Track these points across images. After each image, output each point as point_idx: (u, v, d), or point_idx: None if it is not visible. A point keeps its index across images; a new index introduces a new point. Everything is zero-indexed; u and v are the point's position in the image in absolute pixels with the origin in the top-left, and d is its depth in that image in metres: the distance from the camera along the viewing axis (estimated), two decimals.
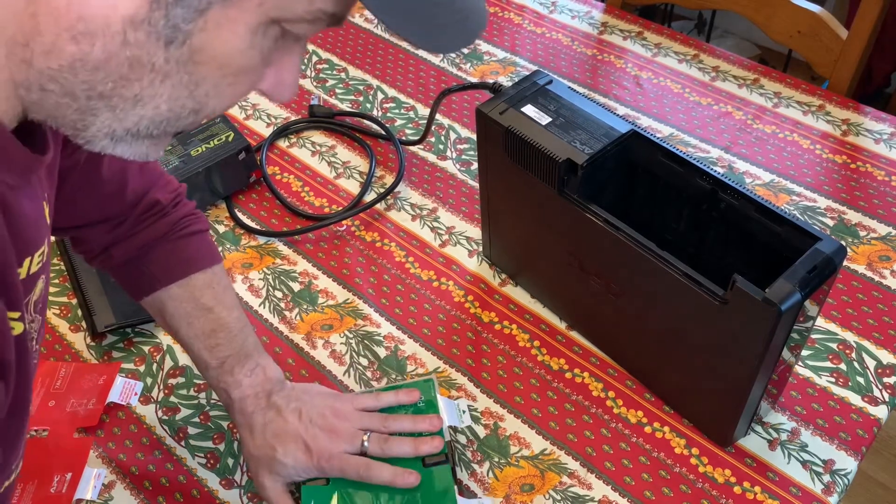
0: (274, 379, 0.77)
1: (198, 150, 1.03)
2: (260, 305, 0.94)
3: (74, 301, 0.95)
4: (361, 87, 1.22)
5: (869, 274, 0.91)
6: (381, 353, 0.88)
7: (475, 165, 1.08)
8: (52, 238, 1.01)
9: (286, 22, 0.43)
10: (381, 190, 1.05)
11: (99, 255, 0.77)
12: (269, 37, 0.44)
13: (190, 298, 0.76)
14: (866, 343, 0.85)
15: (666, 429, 0.80)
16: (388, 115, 1.17)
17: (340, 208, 1.04)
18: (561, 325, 0.90)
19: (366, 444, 0.75)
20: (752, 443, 0.78)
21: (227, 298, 0.78)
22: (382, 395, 0.80)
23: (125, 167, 0.73)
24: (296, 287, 0.96)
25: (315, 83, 1.24)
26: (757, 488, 0.75)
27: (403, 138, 1.13)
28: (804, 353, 0.85)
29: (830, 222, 0.97)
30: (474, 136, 1.08)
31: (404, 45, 1.30)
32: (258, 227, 1.03)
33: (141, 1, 0.40)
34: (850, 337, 0.86)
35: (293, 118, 1.18)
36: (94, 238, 0.76)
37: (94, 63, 0.41)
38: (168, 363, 0.89)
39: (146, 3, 0.40)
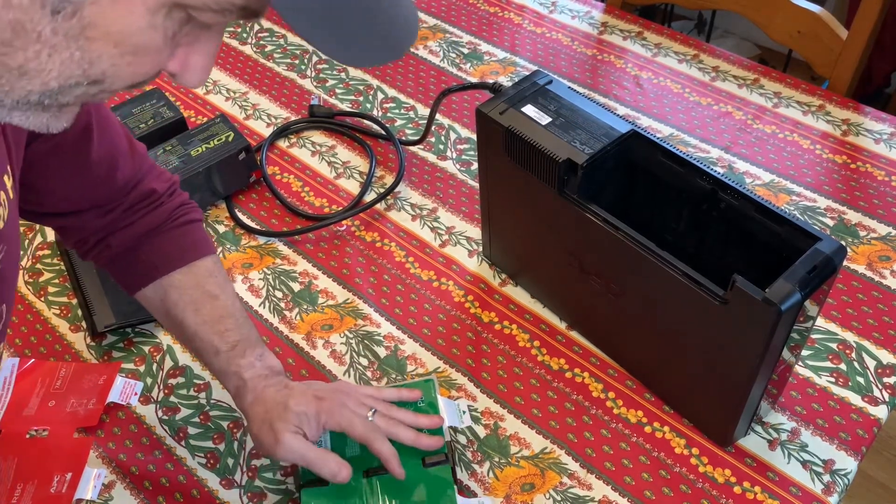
0: (279, 369, 0.77)
1: (198, 150, 1.03)
2: (260, 305, 0.94)
3: (74, 301, 0.95)
4: (361, 87, 1.22)
5: (869, 274, 0.91)
6: (381, 353, 0.88)
7: (475, 165, 1.08)
8: (53, 239, 1.01)
9: (191, 8, 0.42)
10: (381, 190, 1.05)
11: (94, 247, 0.77)
12: (175, 19, 0.42)
13: (195, 285, 0.76)
14: (866, 343, 0.85)
15: (666, 429, 0.80)
16: (388, 115, 1.17)
17: (340, 208, 1.04)
18: (561, 325, 0.90)
19: (370, 418, 0.74)
20: (752, 443, 0.78)
21: (228, 288, 0.79)
22: (385, 390, 0.80)
23: (115, 152, 0.73)
24: (296, 287, 0.96)
25: (315, 83, 1.24)
26: (757, 488, 0.75)
27: (403, 138, 1.13)
28: (804, 353, 0.85)
29: (830, 222, 0.97)
30: (474, 136, 1.08)
31: None
32: (258, 227, 1.03)
33: None
34: (850, 337, 0.86)
35: (293, 118, 1.18)
36: (85, 226, 0.76)
37: None
38: (168, 363, 0.89)
39: None
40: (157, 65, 0.44)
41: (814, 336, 0.86)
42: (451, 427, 0.79)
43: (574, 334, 0.89)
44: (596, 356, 0.87)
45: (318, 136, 1.15)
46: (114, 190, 0.74)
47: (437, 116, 1.16)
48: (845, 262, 0.91)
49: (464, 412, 0.82)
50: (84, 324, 0.93)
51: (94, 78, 0.42)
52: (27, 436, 0.83)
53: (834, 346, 0.85)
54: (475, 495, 0.76)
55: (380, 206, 1.04)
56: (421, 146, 1.12)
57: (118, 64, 0.42)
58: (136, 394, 0.86)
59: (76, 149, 0.69)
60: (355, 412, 0.74)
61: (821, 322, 0.87)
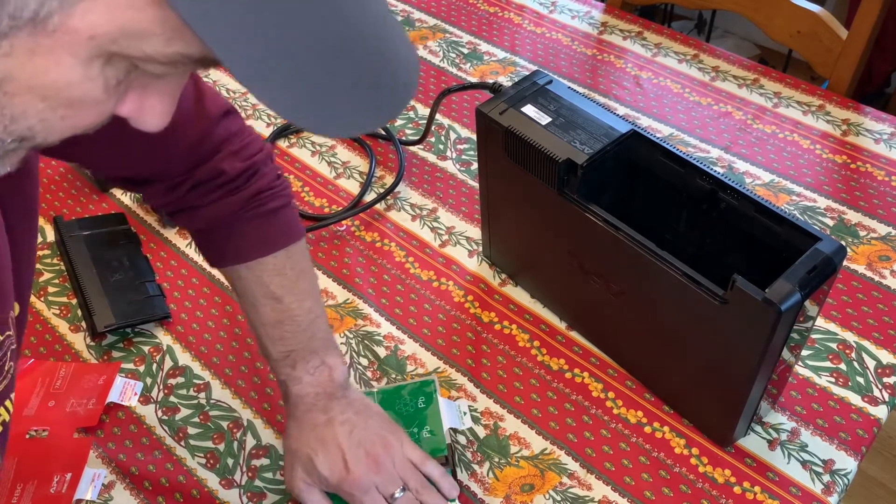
0: (338, 382, 0.74)
1: None
2: None
3: (74, 301, 0.95)
4: None
5: (869, 274, 0.91)
6: (381, 353, 0.88)
7: (475, 165, 1.08)
8: (53, 239, 1.01)
9: (134, 59, 0.37)
10: (381, 190, 1.05)
11: (173, 217, 0.74)
12: (118, 67, 0.37)
13: (258, 284, 0.72)
14: (866, 343, 0.85)
15: (666, 429, 0.80)
16: None
17: (340, 208, 1.04)
18: (561, 325, 0.90)
19: (398, 494, 0.71)
20: (752, 443, 0.78)
21: (299, 286, 0.74)
22: (430, 464, 0.74)
23: (174, 121, 0.67)
24: None
25: None
26: (757, 488, 0.75)
27: (403, 138, 1.13)
28: (804, 353, 0.85)
29: (830, 222, 0.97)
30: (474, 136, 1.08)
31: None
32: None
33: None
34: (850, 337, 0.86)
35: None
36: (157, 196, 0.72)
37: None
38: (168, 363, 0.89)
39: None
40: (101, 115, 0.40)
41: (814, 336, 0.86)
42: (451, 428, 0.79)
43: (574, 334, 0.89)
44: (596, 356, 0.87)
45: (317, 136, 1.15)
46: (173, 159, 0.68)
47: (437, 116, 1.16)
48: (845, 262, 0.91)
49: (464, 413, 0.81)
50: (84, 324, 0.92)
51: (19, 135, 0.38)
52: (27, 436, 0.83)
53: (834, 346, 0.85)
54: (475, 496, 0.76)
55: (380, 206, 1.04)
56: (421, 146, 1.12)
57: (49, 119, 0.38)
58: (135, 394, 0.86)
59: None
60: (380, 490, 0.71)
61: (821, 322, 0.87)
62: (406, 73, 0.40)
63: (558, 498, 0.76)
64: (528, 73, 0.84)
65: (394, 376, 0.86)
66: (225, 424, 0.83)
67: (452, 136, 1.13)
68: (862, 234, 0.96)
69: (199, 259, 1.00)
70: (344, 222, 1.03)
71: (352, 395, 0.76)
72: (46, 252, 1.01)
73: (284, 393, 0.75)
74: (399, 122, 1.15)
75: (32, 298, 0.96)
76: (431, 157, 1.10)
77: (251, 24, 0.34)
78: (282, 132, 1.15)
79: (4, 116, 0.37)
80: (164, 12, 0.34)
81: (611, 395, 0.83)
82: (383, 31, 0.38)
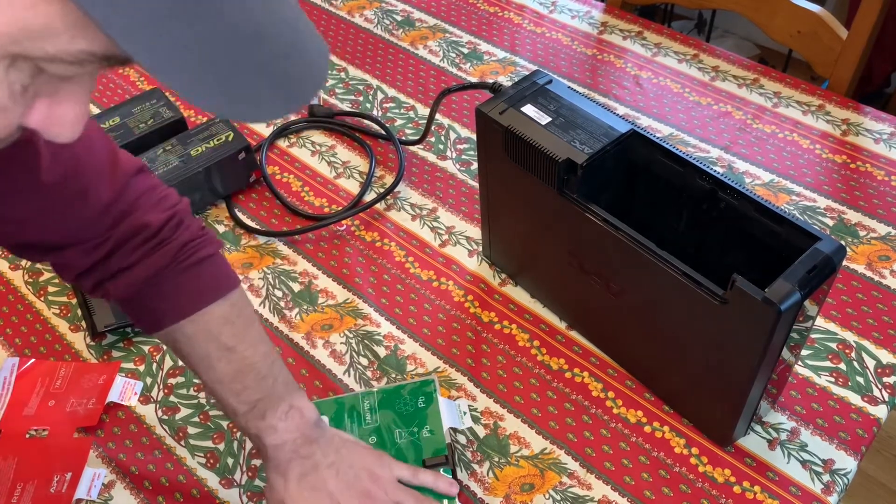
0: (311, 421, 0.72)
1: (198, 150, 1.03)
2: (260, 305, 0.94)
3: (74, 301, 0.95)
4: (361, 87, 1.22)
5: (868, 274, 0.91)
6: (381, 352, 0.88)
7: (475, 165, 1.08)
8: None
9: (39, 60, 0.35)
10: (381, 190, 1.05)
11: (95, 289, 0.68)
12: (23, 71, 0.35)
13: (207, 338, 0.68)
14: (866, 343, 0.85)
15: (665, 428, 0.80)
16: (388, 114, 1.17)
17: (340, 208, 1.04)
18: (561, 325, 0.90)
19: None
20: (752, 442, 0.78)
21: (250, 333, 0.70)
22: (421, 474, 0.74)
23: (82, 172, 0.62)
24: (296, 287, 0.96)
25: None
26: (757, 488, 0.75)
27: (403, 138, 1.13)
28: (804, 352, 0.85)
29: (830, 222, 0.97)
30: (474, 136, 1.08)
31: (404, 44, 1.30)
32: (258, 227, 1.03)
33: None
34: (849, 337, 0.86)
35: (293, 118, 1.18)
36: (71, 263, 0.66)
37: None
38: (168, 363, 0.89)
39: None
40: (7, 124, 0.37)
41: (813, 336, 0.86)
42: (451, 428, 0.79)
43: (574, 334, 0.89)
44: (596, 356, 0.87)
45: (318, 136, 1.15)
46: (90, 220, 0.63)
47: (437, 116, 1.16)
48: (845, 262, 0.91)
49: (464, 413, 0.81)
50: (84, 324, 0.93)
51: None
52: (27, 436, 0.83)
53: (834, 345, 0.85)
54: (475, 495, 0.76)
55: (380, 206, 1.04)
56: (421, 146, 1.12)
57: None
58: (135, 393, 0.86)
59: (18, 168, 0.57)
60: None
61: (820, 322, 0.87)
62: (316, 61, 0.39)
63: (558, 497, 0.76)
64: (528, 73, 0.84)
65: (394, 376, 0.86)
66: (225, 424, 0.83)
67: (452, 135, 1.13)
68: (862, 233, 0.96)
69: None
70: (344, 222, 1.03)
71: (328, 433, 0.73)
72: None
73: (259, 448, 0.71)
74: (399, 122, 1.15)
75: (32, 298, 0.96)
76: (431, 157, 1.10)
77: (156, 14, 0.32)
78: (282, 132, 1.15)
79: None
80: (66, 7, 0.32)
81: (611, 394, 0.83)
82: (289, 18, 0.37)
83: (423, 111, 1.17)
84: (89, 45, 0.34)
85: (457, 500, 0.74)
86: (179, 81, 0.33)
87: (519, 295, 0.93)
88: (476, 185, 1.05)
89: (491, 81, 0.94)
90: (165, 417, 0.84)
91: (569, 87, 0.82)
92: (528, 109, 0.79)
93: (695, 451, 0.78)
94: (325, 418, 0.76)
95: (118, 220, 0.65)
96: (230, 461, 0.81)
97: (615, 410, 0.82)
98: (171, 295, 0.67)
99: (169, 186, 0.69)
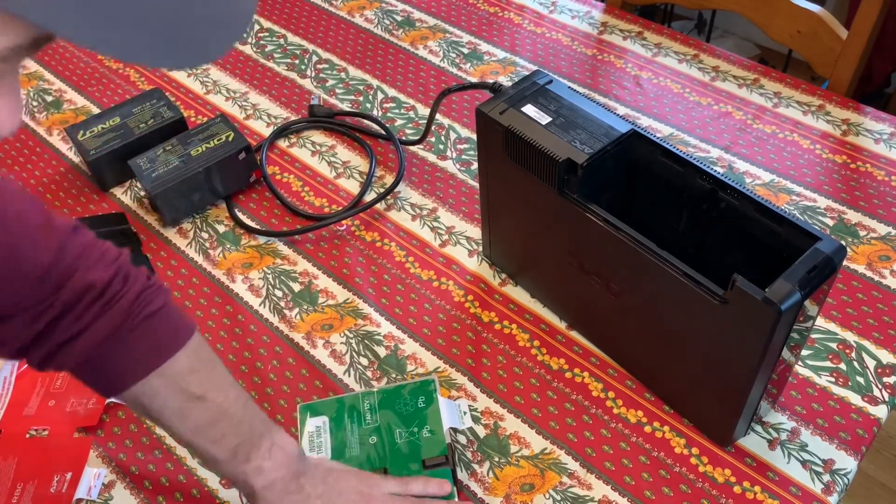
0: (294, 456, 0.70)
1: (198, 150, 1.03)
2: (260, 305, 0.94)
3: None
4: (361, 87, 1.22)
5: (869, 274, 0.91)
6: (381, 352, 0.88)
7: (475, 165, 1.08)
8: None
9: None
10: (381, 190, 1.05)
11: (45, 362, 0.62)
12: None
13: (176, 390, 0.65)
14: (866, 343, 0.85)
15: (666, 428, 0.80)
16: (388, 114, 1.17)
17: (340, 208, 1.04)
18: (561, 325, 0.90)
19: None
20: (752, 442, 0.78)
21: (216, 378, 0.68)
22: (411, 484, 0.74)
23: (12, 234, 0.58)
24: (296, 287, 0.96)
25: (315, 83, 1.24)
26: (757, 488, 0.75)
27: (403, 138, 1.13)
28: (804, 352, 0.85)
29: (830, 222, 0.97)
30: (474, 136, 1.08)
31: (404, 45, 1.30)
32: (258, 227, 1.03)
33: None
34: (849, 337, 0.86)
35: (293, 118, 1.18)
36: (14, 336, 0.60)
37: None
38: None
39: None
40: None
41: (814, 336, 0.86)
42: (451, 428, 0.79)
43: (574, 334, 0.89)
44: (596, 356, 0.87)
45: (318, 136, 1.15)
46: (29, 287, 0.59)
47: (437, 116, 1.16)
48: (845, 262, 0.91)
49: (464, 413, 0.81)
50: None
51: None
52: (27, 435, 0.83)
53: (834, 345, 0.85)
54: (475, 495, 0.76)
55: (380, 206, 1.04)
56: (421, 146, 1.12)
57: None
58: None
59: None
60: None
61: (821, 322, 0.87)
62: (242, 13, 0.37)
63: (558, 497, 0.76)
64: (528, 73, 0.84)
65: (394, 376, 0.86)
66: None
67: (452, 135, 1.13)
68: (862, 233, 0.96)
69: (200, 259, 1.00)
70: (344, 222, 1.03)
71: (312, 462, 0.72)
72: None
73: (248, 492, 0.69)
74: (399, 122, 1.15)
75: None
76: (431, 157, 1.10)
77: None
78: (282, 132, 1.15)
79: None
80: None
81: (611, 394, 0.83)
82: None
83: (423, 111, 1.17)
84: (13, 41, 0.33)
85: (456, 497, 0.74)
86: (109, 45, 0.32)
87: (519, 295, 0.93)
88: (476, 185, 1.05)
89: (491, 81, 0.94)
90: None
91: (569, 87, 0.82)
92: (529, 109, 0.79)
93: (695, 451, 0.78)
94: (309, 452, 0.76)
95: (61, 283, 0.60)
96: None
97: (615, 410, 0.82)
98: (131, 353, 0.63)
99: (104, 241, 0.65)
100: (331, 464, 0.74)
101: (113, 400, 0.84)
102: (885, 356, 0.84)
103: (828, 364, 0.84)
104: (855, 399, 0.81)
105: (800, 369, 0.84)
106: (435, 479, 0.75)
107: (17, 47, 0.34)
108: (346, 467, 0.75)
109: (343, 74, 1.25)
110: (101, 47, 0.32)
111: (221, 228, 1.03)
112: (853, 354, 0.84)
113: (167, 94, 1.17)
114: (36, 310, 0.60)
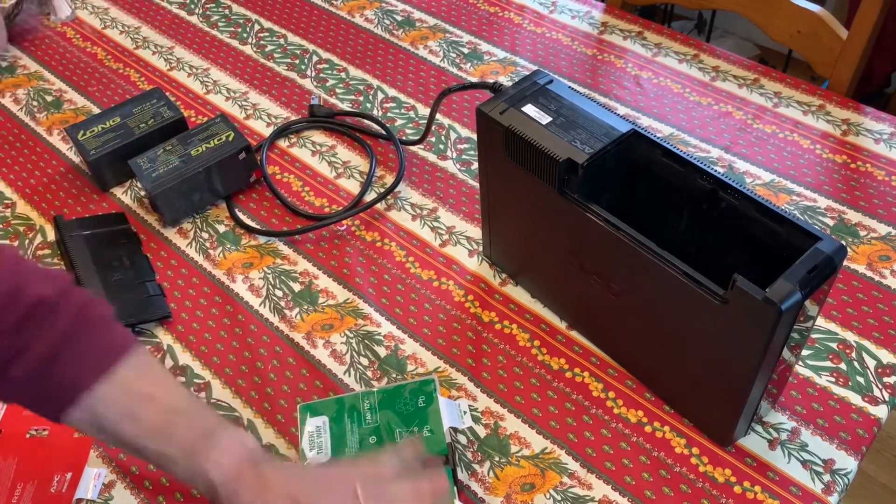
0: (252, 449, 0.67)
1: (198, 150, 1.03)
2: (260, 305, 0.94)
3: None
4: (361, 87, 1.22)
5: (869, 274, 0.91)
6: (382, 352, 0.88)
7: (475, 165, 1.08)
8: (53, 238, 1.01)
9: None
10: (381, 190, 1.05)
11: None
12: None
13: (128, 394, 0.64)
14: (866, 343, 0.85)
15: (666, 428, 0.80)
16: (389, 114, 1.17)
17: (340, 208, 1.04)
18: (561, 325, 0.90)
19: (358, 491, 0.64)
20: (752, 442, 0.78)
21: (166, 382, 0.68)
22: (382, 468, 0.68)
23: None
24: (296, 287, 0.96)
25: (315, 83, 1.24)
26: (757, 488, 0.75)
27: (403, 138, 1.13)
28: (804, 352, 0.85)
29: (830, 222, 0.97)
30: (474, 136, 1.08)
31: (404, 44, 1.30)
32: (258, 227, 1.03)
33: None
34: (850, 336, 0.86)
35: (293, 118, 1.18)
36: None
37: None
38: (168, 363, 0.89)
39: None
40: None
41: (814, 336, 0.86)
42: (451, 428, 0.79)
43: (574, 334, 0.89)
44: (596, 356, 0.87)
45: (318, 136, 1.15)
46: None
47: (438, 116, 1.16)
48: (845, 262, 0.91)
49: (465, 412, 0.81)
50: None
51: None
52: (27, 435, 0.83)
53: (834, 345, 0.85)
54: (475, 495, 0.76)
55: (380, 206, 1.04)
56: (421, 146, 1.12)
57: None
58: None
59: None
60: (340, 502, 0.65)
61: (821, 322, 0.87)
62: None
63: (559, 497, 0.76)
64: (528, 73, 0.84)
65: (394, 376, 0.86)
66: None
67: (453, 135, 1.13)
68: (862, 233, 0.96)
69: (200, 259, 1.00)
70: (344, 222, 1.03)
71: (270, 457, 0.70)
72: (47, 252, 1.01)
73: (208, 490, 0.65)
74: (399, 122, 1.15)
75: None
76: (432, 157, 1.10)
77: None
78: (282, 132, 1.15)
79: None
80: None
81: (611, 394, 0.83)
82: None
83: (424, 111, 1.17)
84: None
85: (458, 501, 0.74)
86: None
87: (519, 295, 0.93)
88: (476, 185, 1.05)
89: (491, 81, 0.94)
90: None
91: (569, 87, 0.82)
92: (529, 109, 0.79)
93: (695, 450, 0.78)
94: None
95: (12, 304, 0.62)
96: None
97: (616, 410, 0.82)
98: (80, 360, 0.63)
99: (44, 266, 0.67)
100: (292, 463, 0.71)
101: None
102: (886, 356, 0.84)
103: (828, 364, 0.84)
104: (855, 399, 0.81)
105: (800, 369, 0.84)
106: (407, 441, 0.73)
107: None
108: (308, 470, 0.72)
109: (343, 74, 1.25)
110: None
111: (221, 228, 1.03)
112: (853, 354, 0.84)
113: (167, 94, 1.17)
114: None
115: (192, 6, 1.42)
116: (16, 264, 0.64)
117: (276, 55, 1.30)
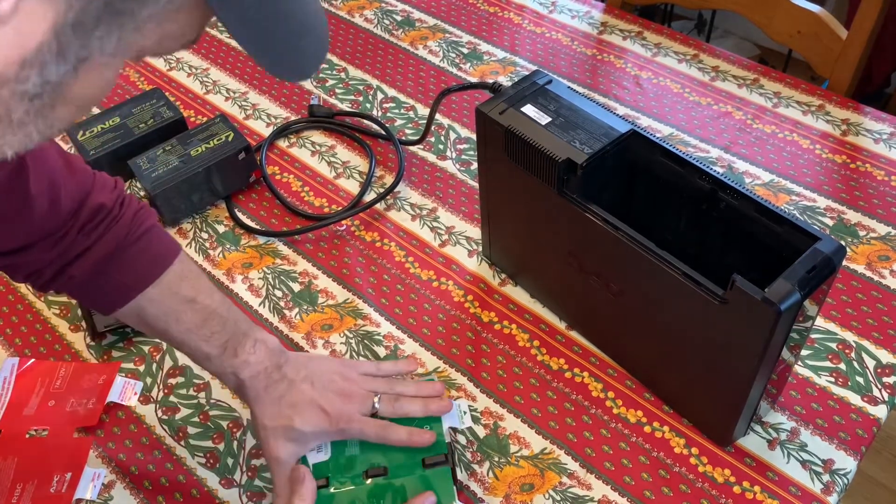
0: (276, 350, 0.77)
1: (198, 150, 1.03)
2: (260, 305, 0.94)
3: (74, 301, 0.95)
4: (361, 87, 1.22)
5: (868, 274, 0.91)
6: (381, 352, 0.88)
7: (475, 165, 1.08)
8: None
9: (150, 55, 0.43)
10: (381, 190, 1.05)
11: (53, 280, 0.71)
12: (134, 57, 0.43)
13: (171, 295, 0.74)
14: (866, 343, 0.85)
15: (665, 428, 0.80)
16: (388, 114, 1.17)
17: (340, 208, 1.04)
18: (560, 325, 0.90)
19: (377, 405, 0.77)
20: (752, 442, 0.78)
21: (203, 284, 0.76)
22: (383, 364, 0.83)
23: (54, 177, 0.67)
24: (296, 287, 0.96)
25: (315, 83, 1.24)
26: (756, 488, 0.75)
27: (403, 138, 1.13)
28: (804, 352, 0.85)
29: (830, 222, 0.97)
30: (474, 136, 1.08)
31: (404, 44, 1.30)
32: (258, 227, 1.03)
33: (9, 61, 0.36)
34: (849, 337, 0.86)
35: (293, 118, 1.18)
36: (37, 259, 0.70)
37: None
38: (168, 363, 0.89)
39: (15, 64, 0.36)
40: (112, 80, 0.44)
41: (813, 336, 0.86)
42: (451, 428, 0.79)
43: (574, 334, 0.89)
44: (595, 356, 0.87)
45: (317, 136, 1.15)
46: (62, 216, 0.69)
47: (437, 116, 1.16)
48: (845, 262, 0.91)
49: (464, 413, 0.81)
50: (84, 324, 0.92)
51: (47, 137, 0.41)
52: (27, 435, 0.83)
53: (833, 345, 0.85)
54: (475, 495, 0.76)
55: (379, 206, 1.04)
56: (421, 146, 1.12)
57: (71, 119, 0.42)
58: (135, 393, 0.86)
59: (12, 187, 0.64)
60: (362, 413, 0.76)
61: (820, 322, 0.87)
62: (323, 38, 0.49)
63: (558, 497, 0.76)
64: (527, 73, 0.84)
65: (394, 376, 0.86)
66: (225, 424, 0.84)
67: (452, 135, 1.13)
68: (861, 233, 0.96)
69: (200, 259, 1.00)
70: (344, 222, 1.03)
71: (291, 355, 0.79)
72: None
73: (235, 385, 0.76)
74: (399, 122, 1.15)
75: (32, 298, 0.96)
76: (431, 157, 1.10)
77: (246, 5, 0.41)
78: (281, 132, 1.15)
79: (45, 126, 0.40)
80: (200, 11, 0.41)
81: (610, 394, 0.83)
82: (319, 10, 0.47)
83: (423, 111, 1.17)
84: (193, 34, 0.43)
85: (457, 501, 0.74)
86: (252, 50, 0.43)
87: (519, 295, 0.93)
88: (476, 185, 1.05)
89: (491, 81, 0.94)
90: (165, 417, 0.84)
91: (569, 87, 0.82)
92: (528, 109, 0.79)
93: (695, 451, 0.78)
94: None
95: (79, 207, 0.70)
96: (230, 461, 0.81)
97: (615, 410, 0.82)
98: (133, 265, 0.72)
99: (99, 171, 0.75)
100: (309, 353, 0.83)
101: (113, 400, 0.84)
102: (885, 356, 0.84)
103: (827, 364, 0.84)
104: (855, 399, 0.81)
105: (799, 369, 0.84)
106: (403, 360, 0.86)
107: (190, 42, 0.44)
108: (324, 354, 0.85)
109: (343, 74, 1.25)
110: (245, 46, 0.43)
111: (221, 228, 1.03)
112: (853, 354, 0.84)
113: (167, 94, 1.16)
114: (56, 236, 0.69)
115: None
116: (84, 174, 0.71)
117: None
